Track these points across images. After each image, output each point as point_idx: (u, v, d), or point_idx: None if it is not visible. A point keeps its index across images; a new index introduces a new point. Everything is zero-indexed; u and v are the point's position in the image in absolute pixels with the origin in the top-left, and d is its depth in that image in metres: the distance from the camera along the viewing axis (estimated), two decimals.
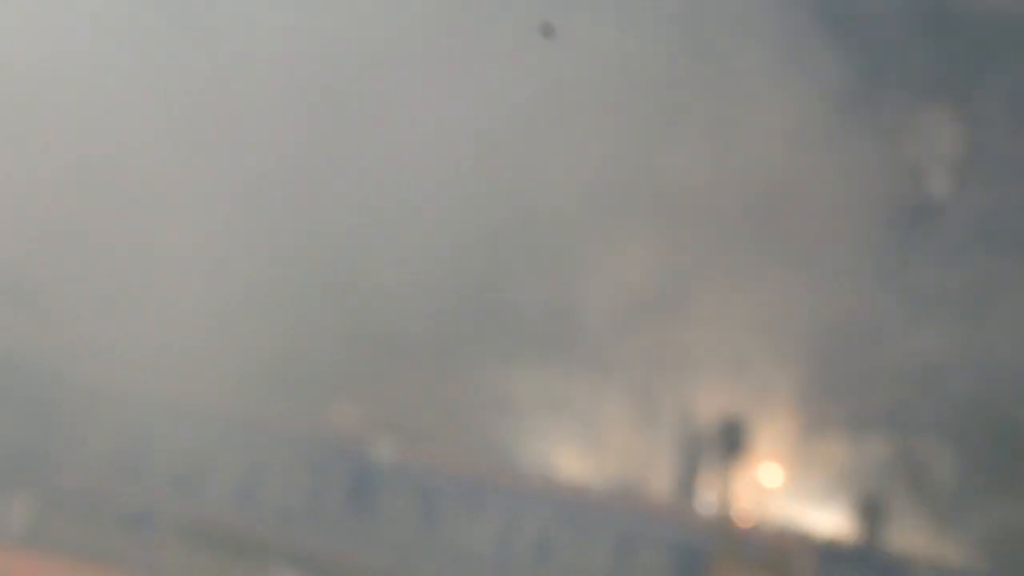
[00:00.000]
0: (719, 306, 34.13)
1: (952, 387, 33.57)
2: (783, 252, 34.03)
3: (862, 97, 34.94)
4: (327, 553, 33.20)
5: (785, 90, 34.80)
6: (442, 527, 33.26)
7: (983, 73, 35.66)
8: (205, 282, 34.89)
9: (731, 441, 33.89)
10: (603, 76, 35.45)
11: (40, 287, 35.77)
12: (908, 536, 32.24)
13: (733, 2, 35.57)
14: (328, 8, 36.04)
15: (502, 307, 34.73)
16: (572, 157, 34.42)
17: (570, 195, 34.57)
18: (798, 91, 34.54)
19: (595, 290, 34.40)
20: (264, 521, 34.11)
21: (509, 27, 35.53)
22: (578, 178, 34.36)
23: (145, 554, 32.95)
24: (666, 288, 34.11)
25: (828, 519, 32.79)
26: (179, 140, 35.38)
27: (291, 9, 36.08)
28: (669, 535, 32.43)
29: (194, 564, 33.10)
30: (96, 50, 35.16)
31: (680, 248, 34.39)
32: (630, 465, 34.53)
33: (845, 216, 34.54)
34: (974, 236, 35.74)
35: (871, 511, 32.29)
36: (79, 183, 34.85)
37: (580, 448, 34.53)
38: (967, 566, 31.68)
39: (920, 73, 35.65)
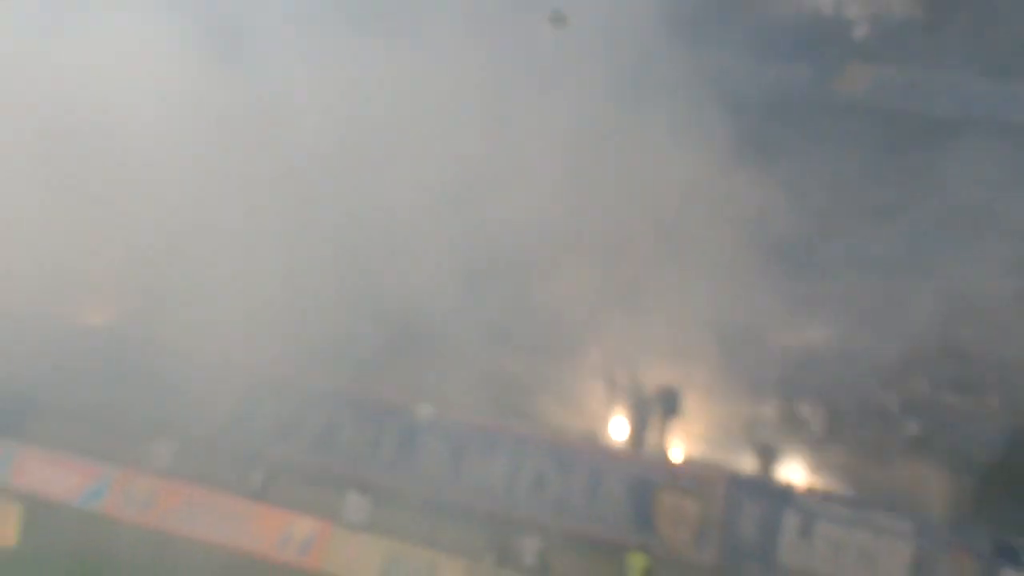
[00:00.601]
0: (657, 310, 39.02)
1: (821, 367, 38.75)
2: (699, 269, 38.90)
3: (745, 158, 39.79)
4: (384, 483, 38.16)
5: (687, 150, 39.74)
6: (464, 464, 38.51)
7: (836, 150, 40.59)
8: (289, 285, 39.46)
9: (668, 405, 39.24)
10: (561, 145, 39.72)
11: (166, 287, 40.32)
12: (789, 470, 37.78)
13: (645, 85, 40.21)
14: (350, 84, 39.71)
15: (500, 306, 39.85)
16: (539, 203, 38.71)
17: (540, 228, 38.91)
18: (699, 152, 39.50)
19: (565, 295, 39.48)
20: (340, 461, 39.54)
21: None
22: (542, 218, 38.88)
23: (256, 486, 38.01)
24: (617, 297, 39.57)
25: (734, 458, 38.09)
26: (258, 181, 39.47)
27: (321, 86, 39.32)
28: (626, 470, 37.37)
29: (294, 491, 38.01)
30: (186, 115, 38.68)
31: (620, 267, 39.63)
32: (599, 422, 40.01)
33: (740, 243, 39.56)
34: (842, 262, 41.45)
35: (764, 452, 37.91)
36: (187, 209, 38.81)
37: (562, 410, 39.66)
38: (831, 490, 36.37)
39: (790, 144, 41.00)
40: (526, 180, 39.08)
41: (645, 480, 37.15)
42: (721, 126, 39.62)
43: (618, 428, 39.93)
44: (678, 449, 39.21)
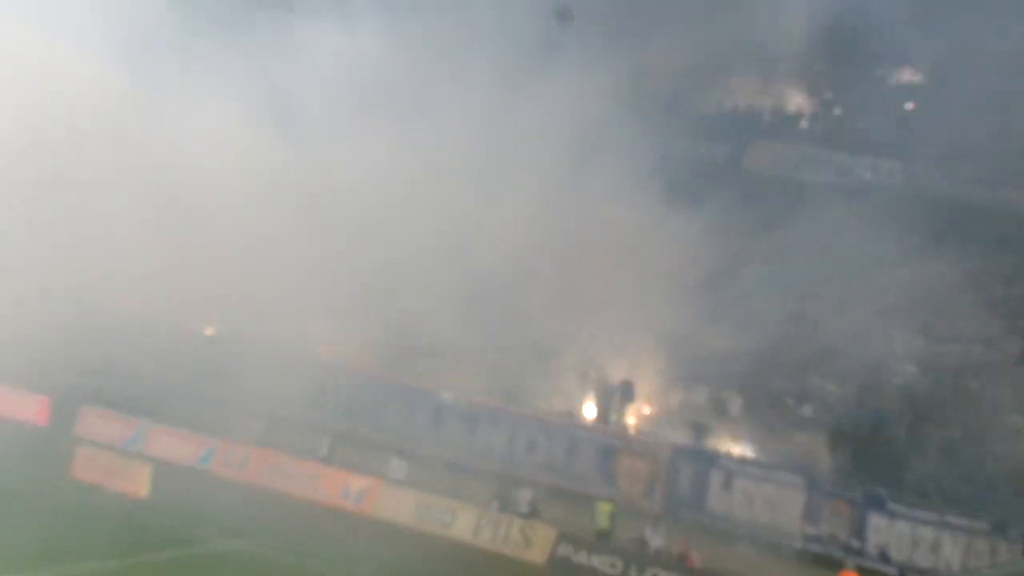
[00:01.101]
0: (616, 323, 39.81)
1: (738, 365, 39.85)
2: (648, 292, 39.57)
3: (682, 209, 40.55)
4: (417, 450, 38.44)
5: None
6: (475, 436, 39.00)
7: (747, 205, 41.73)
8: (342, 304, 39.34)
9: (626, 393, 39.78)
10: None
11: (254, 305, 40.07)
12: (715, 441, 38.24)
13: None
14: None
15: (499, 321, 40.10)
16: (521, 243, 39.43)
17: (522, 261, 39.49)
18: (647, 205, 40.31)
19: (547, 313, 40.12)
20: (385, 434, 39.79)
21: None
22: (523, 254, 39.53)
23: (323, 452, 38.30)
24: (587, 314, 40.12)
25: (675, 432, 38.57)
26: (313, 227, 39.08)
27: (357, 158, 38.81)
28: (595, 440, 37.94)
29: (351, 456, 38.28)
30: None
31: (587, 291, 39.88)
32: (575, 404, 40.43)
33: (678, 272, 40.31)
34: (753, 286, 41.95)
35: (696, 428, 38.42)
36: (263, 249, 38.47)
37: (547, 396, 40.39)
38: (745, 456, 37.02)
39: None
40: (509, 227, 39.38)
41: (609, 447, 37.57)
42: (664, 186, 40.14)
43: (589, 409, 40.36)
44: (633, 425, 39.68)
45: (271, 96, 38.48)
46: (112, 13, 37.29)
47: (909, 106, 41.62)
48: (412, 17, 39.60)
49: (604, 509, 34.52)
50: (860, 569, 31.72)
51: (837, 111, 43.98)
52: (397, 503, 36.07)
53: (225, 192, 37.43)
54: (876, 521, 33.25)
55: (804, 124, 45.17)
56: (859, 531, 33.49)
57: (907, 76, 40.06)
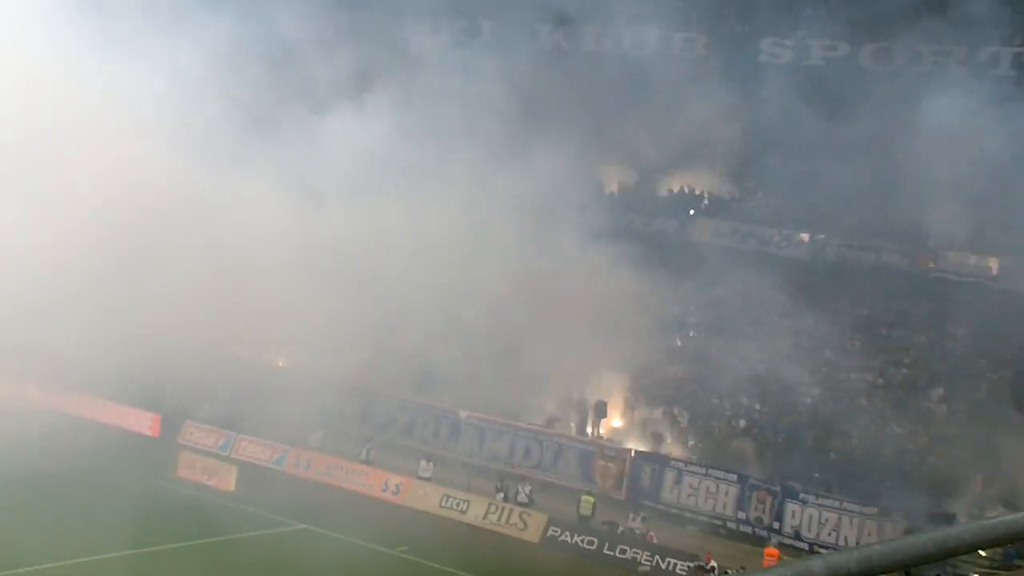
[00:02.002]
0: (592, 358, 39.46)
1: (687, 389, 40.04)
2: (615, 337, 39.24)
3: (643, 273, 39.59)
4: (441, 454, 38.12)
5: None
6: (485, 443, 38.72)
7: (691, 270, 41.26)
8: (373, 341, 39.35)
9: (600, 411, 39.45)
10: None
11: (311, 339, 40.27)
12: (668, 447, 37.91)
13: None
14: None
15: (496, 355, 38.95)
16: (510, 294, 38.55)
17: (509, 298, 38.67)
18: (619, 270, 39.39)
19: (538, 352, 38.93)
20: (416, 441, 39.51)
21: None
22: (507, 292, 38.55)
23: (368, 456, 37.72)
24: (570, 351, 38.86)
25: (637, 441, 38.30)
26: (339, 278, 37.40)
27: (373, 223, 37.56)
28: (576, 446, 37.91)
29: (389, 459, 37.80)
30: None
31: (569, 335, 38.69)
32: (561, 420, 39.63)
33: (642, 322, 39.84)
34: (693, 329, 42.09)
35: (654, 437, 38.16)
36: (296, 299, 37.13)
37: (539, 413, 39.75)
38: (692, 458, 36.74)
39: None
40: (499, 283, 38.53)
41: (587, 452, 37.62)
42: (627, 252, 39.58)
43: (572, 423, 40.20)
44: (605, 435, 39.57)
45: (302, 180, 38.14)
46: (182, 112, 37.24)
47: (815, 190, 41.22)
48: (412, 113, 38.51)
49: (588, 500, 34.61)
50: (780, 545, 31.88)
51: (760, 195, 43.99)
52: (425, 494, 36.21)
53: (270, 255, 36.72)
54: (791, 508, 33.42)
55: (736, 204, 45.08)
56: (778, 515, 33.59)
57: (812, 167, 39.44)
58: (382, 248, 38.19)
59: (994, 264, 38.96)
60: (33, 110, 34.24)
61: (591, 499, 34.70)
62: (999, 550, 27.35)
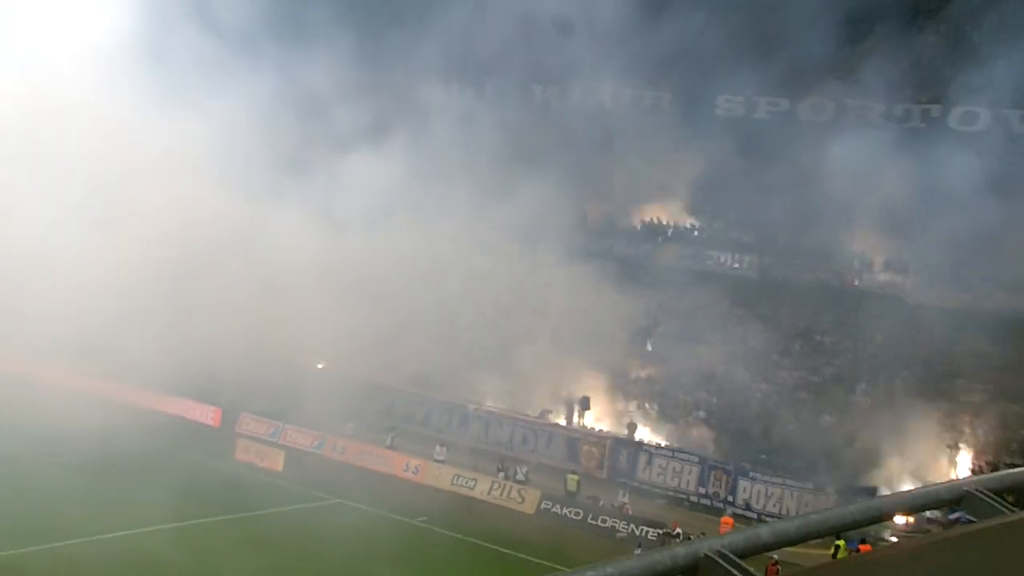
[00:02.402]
0: (578, 362, 39.19)
1: (656, 387, 39.67)
2: (595, 347, 39.12)
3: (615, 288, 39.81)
4: (452, 441, 37.70)
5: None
6: (490, 431, 38.45)
7: (652, 292, 41.34)
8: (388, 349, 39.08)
9: (584, 404, 39.24)
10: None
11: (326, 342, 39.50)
12: (641, 433, 37.62)
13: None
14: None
15: (498, 359, 39.33)
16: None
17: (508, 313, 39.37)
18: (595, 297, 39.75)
19: (536, 359, 39.23)
20: (431, 430, 38.90)
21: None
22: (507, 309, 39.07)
23: (391, 442, 37.45)
24: (560, 355, 39.05)
25: (616, 429, 38.17)
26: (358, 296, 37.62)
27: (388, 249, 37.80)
28: (566, 434, 37.88)
29: (410, 445, 37.58)
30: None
31: (557, 345, 39.00)
32: (553, 412, 39.47)
33: (617, 339, 39.90)
34: (659, 344, 41.16)
35: (629, 427, 37.99)
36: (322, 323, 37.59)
37: (533, 407, 39.43)
38: (661, 443, 36.40)
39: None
40: (501, 301, 39.06)
41: (574, 439, 37.60)
42: (606, 273, 40.01)
43: (562, 415, 39.95)
44: (589, 424, 39.23)
45: (329, 210, 37.95)
46: (228, 155, 37.17)
47: (761, 220, 41.16)
48: (423, 157, 38.78)
49: (573, 478, 34.70)
50: (733, 515, 32.10)
51: (715, 225, 43.87)
52: (439, 474, 36.17)
53: (304, 274, 36.76)
54: (743, 484, 33.54)
55: (696, 233, 44.90)
56: (732, 490, 33.68)
57: (759, 201, 39.39)
58: (399, 269, 37.89)
59: (906, 281, 38.86)
60: (110, 155, 34.88)
61: (576, 477, 34.77)
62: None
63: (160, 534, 27.49)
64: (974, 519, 4.59)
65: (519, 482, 35.03)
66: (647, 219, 46.30)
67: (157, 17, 35.94)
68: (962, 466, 33.28)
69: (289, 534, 29.40)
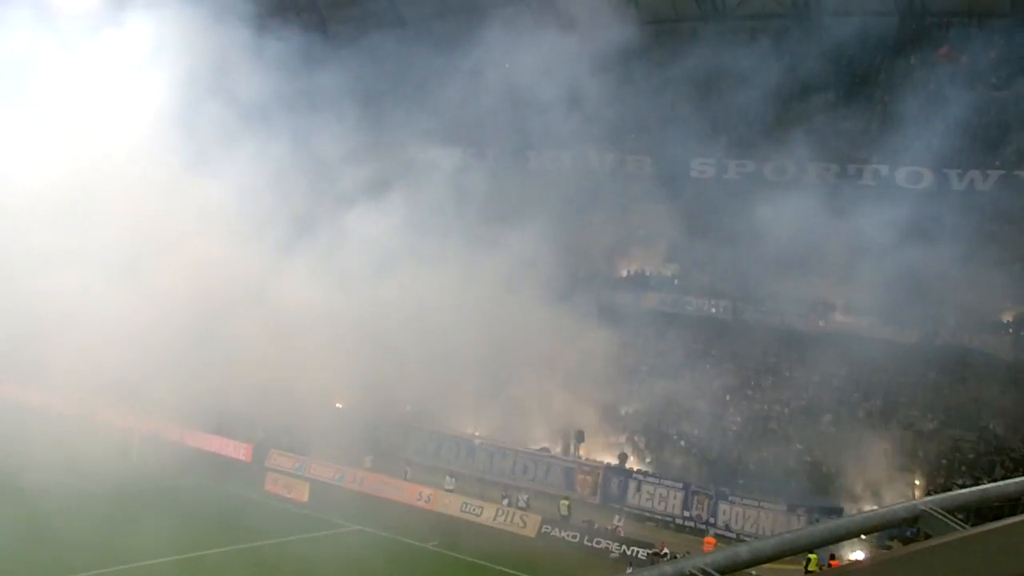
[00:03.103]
0: (573, 399, 38.83)
1: (642, 420, 39.18)
2: (586, 377, 38.73)
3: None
4: (461, 471, 37.42)
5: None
6: (494, 462, 38.10)
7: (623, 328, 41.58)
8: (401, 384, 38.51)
9: (579, 438, 38.91)
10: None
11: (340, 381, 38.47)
12: (630, 462, 37.42)
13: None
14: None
15: (500, 395, 38.86)
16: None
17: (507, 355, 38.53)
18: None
19: (527, 387, 38.78)
20: (442, 462, 38.36)
21: None
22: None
23: (405, 474, 37.16)
24: (558, 390, 38.91)
25: (607, 458, 37.78)
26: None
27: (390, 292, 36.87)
28: (562, 464, 37.43)
29: (422, 475, 37.24)
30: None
31: (552, 376, 38.71)
32: (551, 444, 39.21)
33: (606, 374, 39.22)
34: (656, 374, 40.46)
35: (620, 457, 37.58)
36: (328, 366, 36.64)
37: (533, 441, 39.14)
38: (648, 471, 36.32)
39: None
40: (498, 340, 37.75)
41: (570, 468, 37.20)
42: (596, 319, 39.84)
43: (559, 447, 39.57)
44: (584, 455, 38.77)
45: (336, 261, 37.42)
46: (245, 214, 36.88)
47: (735, 269, 41.24)
48: (430, 218, 38.51)
49: (564, 503, 34.52)
50: (715, 535, 31.85)
51: (694, 273, 43.76)
52: (449, 502, 35.84)
53: (324, 325, 36.31)
54: (723, 506, 33.27)
55: (676, 281, 44.94)
56: (714, 513, 33.40)
57: (732, 253, 39.53)
58: (409, 317, 37.43)
59: (864, 322, 38.78)
60: (141, 215, 34.86)
61: (567, 501, 34.55)
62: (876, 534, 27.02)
63: (195, 560, 27.40)
64: (930, 535, 4.63)
65: (521, 508, 34.74)
66: (633, 269, 46.30)
67: (181, 92, 35.72)
68: (918, 487, 33.11)
69: (315, 558, 29.02)
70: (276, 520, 32.20)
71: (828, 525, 4.78)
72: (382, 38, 42.06)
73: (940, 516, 4.70)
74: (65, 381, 35.20)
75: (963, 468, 33.13)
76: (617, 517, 33.40)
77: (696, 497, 34.06)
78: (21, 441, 32.34)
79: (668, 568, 4.07)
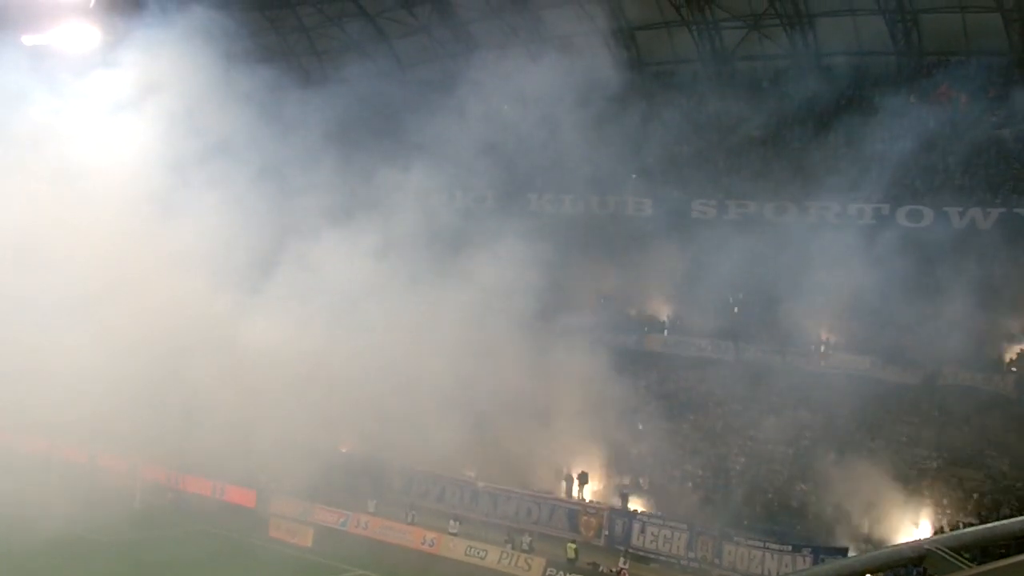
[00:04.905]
0: (574, 440, 38.66)
1: (647, 463, 38.88)
2: (589, 416, 38.43)
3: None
4: (465, 515, 37.33)
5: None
6: (498, 506, 37.90)
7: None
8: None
9: (583, 479, 39.01)
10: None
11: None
12: (635, 504, 37.22)
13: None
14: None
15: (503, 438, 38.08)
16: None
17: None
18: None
19: (529, 429, 38.34)
20: (447, 506, 38.33)
21: None
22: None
23: (410, 518, 36.93)
24: (557, 434, 38.49)
25: (611, 500, 37.78)
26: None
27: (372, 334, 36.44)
28: (567, 507, 37.31)
29: (427, 520, 36.98)
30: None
31: (557, 416, 38.51)
32: (554, 487, 39.19)
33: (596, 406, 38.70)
34: (658, 415, 40.24)
35: (625, 496, 37.57)
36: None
37: (536, 483, 38.90)
38: (652, 512, 36.05)
39: None
40: (505, 381, 37.36)
41: (574, 510, 37.06)
42: (596, 360, 39.44)
43: (563, 490, 39.54)
44: (588, 497, 38.89)
45: (318, 309, 37.31)
46: (213, 256, 36.80)
47: (736, 310, 41.32)
48: (434, 266, 38.36)
49: (572, 546, 34.25)
50: None
51: (695, 315, 43.71)
52: (454, 546, 35.66)
53: (325, 373, 36.23)
54: (728, 547, 32.91)
55: (677, 322, 44.95)
56: (718, 554, 33.03)
57: (734, 294, 39.70)
58: (414, 362, 37.10)
59: (867, 361, 38.69)
60: (110, 259, 34.90)
61: (574, 545, 34.24)
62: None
63: None
64: (935, 574, 4.60)
65: (525, 551, 34.45)
66: (635, 311, 46.31)
67: (141, 134, 35.68)
68: (923, 526, 32.86)
69: None
70: (281, 566, 32.18)
71: (833, 565, 4.71)
72: (378, 84, 42.66)
73: (946, 555, 4.63)
74: (66, 428, 35.43)
75: (968, 507, 32.91)
76: (622, 559, 33.05)
77: (700, 538, 33.68)
78: (26, 490, 32.52)
79: None
